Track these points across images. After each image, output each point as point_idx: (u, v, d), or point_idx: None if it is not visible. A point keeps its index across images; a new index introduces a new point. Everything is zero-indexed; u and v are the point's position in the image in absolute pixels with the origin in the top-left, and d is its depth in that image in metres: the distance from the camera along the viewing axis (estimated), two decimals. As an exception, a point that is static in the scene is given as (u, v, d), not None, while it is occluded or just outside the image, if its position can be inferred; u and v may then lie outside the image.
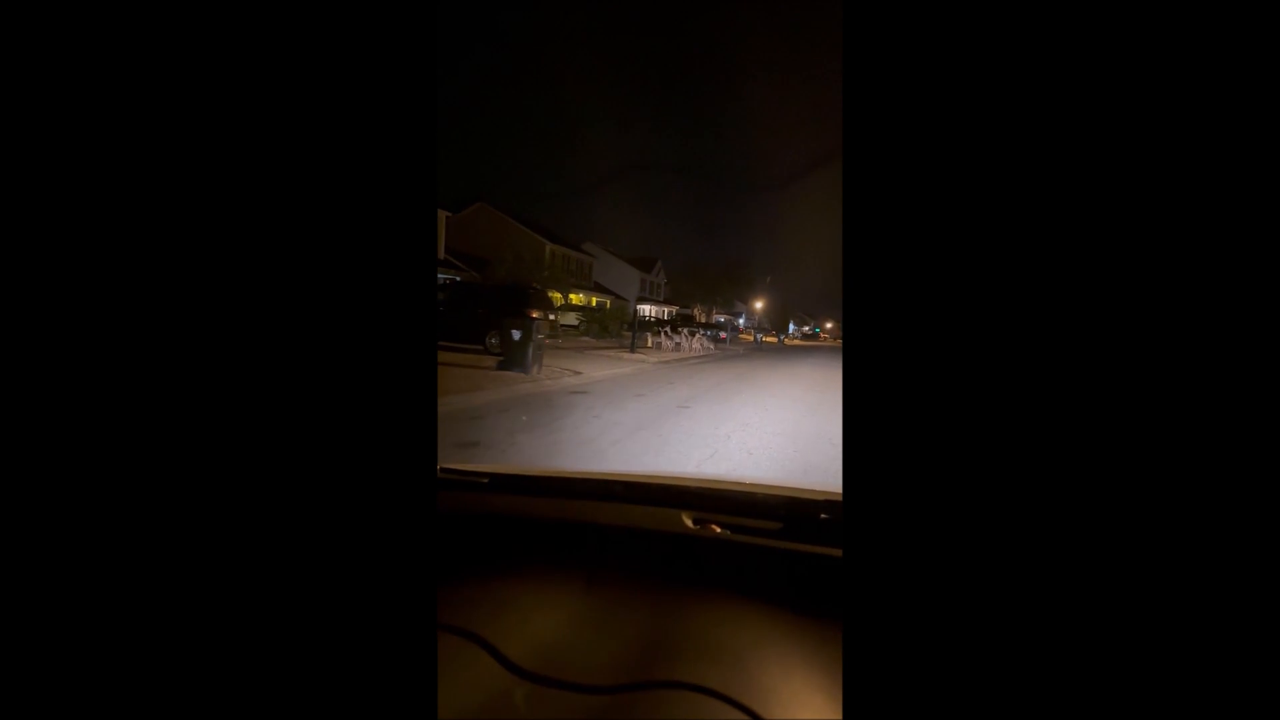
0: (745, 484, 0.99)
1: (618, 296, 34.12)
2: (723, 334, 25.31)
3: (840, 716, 0.52)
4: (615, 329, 17.66)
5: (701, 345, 16.30)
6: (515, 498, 1.00)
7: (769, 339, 35.63)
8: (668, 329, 17.32)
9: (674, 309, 38.75)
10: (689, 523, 0.88)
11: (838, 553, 0.76)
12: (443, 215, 20.20)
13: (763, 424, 5.30)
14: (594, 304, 27.77)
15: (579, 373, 8.55)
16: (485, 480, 1.03)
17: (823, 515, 0.83)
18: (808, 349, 27.39)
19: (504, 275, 17.51)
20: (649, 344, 15.61)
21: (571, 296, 27.10)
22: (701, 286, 41.57)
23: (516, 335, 7.74)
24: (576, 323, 19.01)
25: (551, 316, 10.21)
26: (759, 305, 50.24)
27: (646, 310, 36.54)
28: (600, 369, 9.49)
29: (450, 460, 1.09)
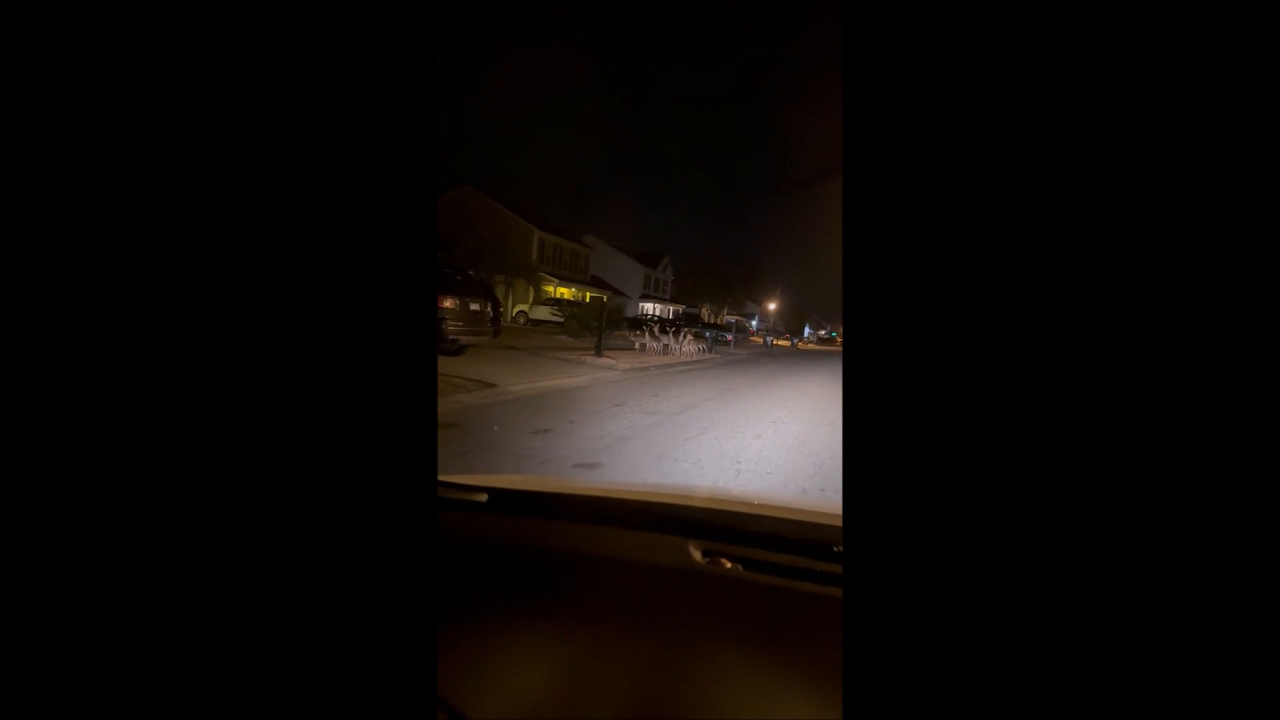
0: (756, 505, 0.90)
1: (617, 292, 31.66)
2: (728, 335, 22.70)
3: None
4: (599, 327, 15.08)
5: (695, 348, 13.65)
6: (512, 519, 0.91)
7: (780, 342, 32.91)
8: (655, 328, 14.75)
9: (680, 308, 36.39)
10: (697, 555, 0.78)
11: None
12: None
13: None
14: (587, 298, 25.29)
15: (492, 385, 6.03)
16: (484, 498, 0.94)
17: (836, 549, 0.74)
18: (822, 354, 24.65)
19: (460, 259, 15.06)
20: (636, 346, 13.03)
21: (561, 290, 24.67)
22: (711, 285, 39.15)
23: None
24: (560, 318, 16.44)
25: (475, 307, 7.61)
26: (772, 307, 47.62)
27: (651, 308, 34.14)
28: (537, 378, 6.97)
29: None
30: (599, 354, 10.12)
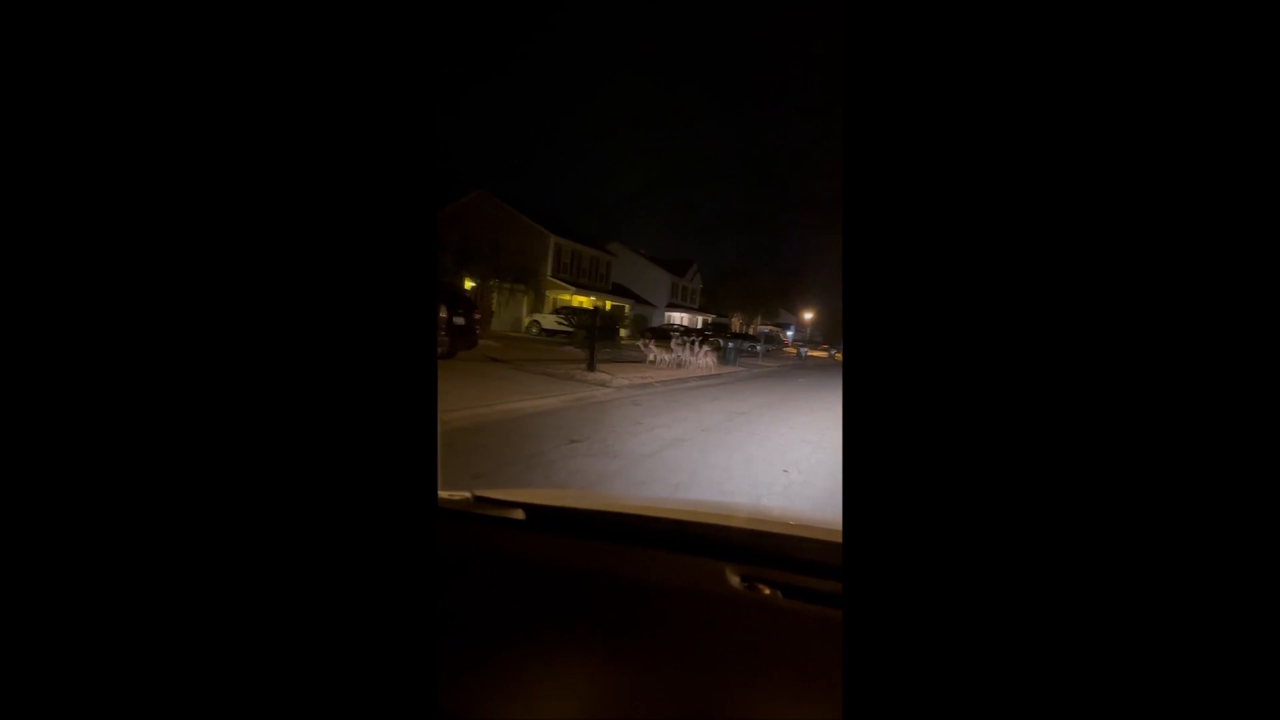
0: (798, 526, 0.87)
1: (641, 300, 30.23)
2: (757, 346, 20.98)
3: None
4: (611, 337, 13.58)
5: (713, 360, 11.97)
6: (548, 537, 0.88)
7: (816, 353, 30.82)
8: (673, 337, 13.18)
9: (709, 317, 34.75)
10: (734, 581, 0.74)
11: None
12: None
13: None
14: (607, 306, 23.91)
15: (417, 412, 4.58)
16: (520, 515, 0.93)
17: None
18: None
19: (447, 262, 13.81)
20: (651, 358, 11.48)
21: (579, 298, 23.37)
22: (742, 294, 37.31)
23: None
24: (568, 328, 15.02)
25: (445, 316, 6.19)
26: (809, 317, 45.41)
27: (678, 317, 32.63)
28: (494, 401, 5.52)
29: None
30: (591, 368, 8.61)
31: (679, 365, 11.61)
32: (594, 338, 8.80)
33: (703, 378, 10.45)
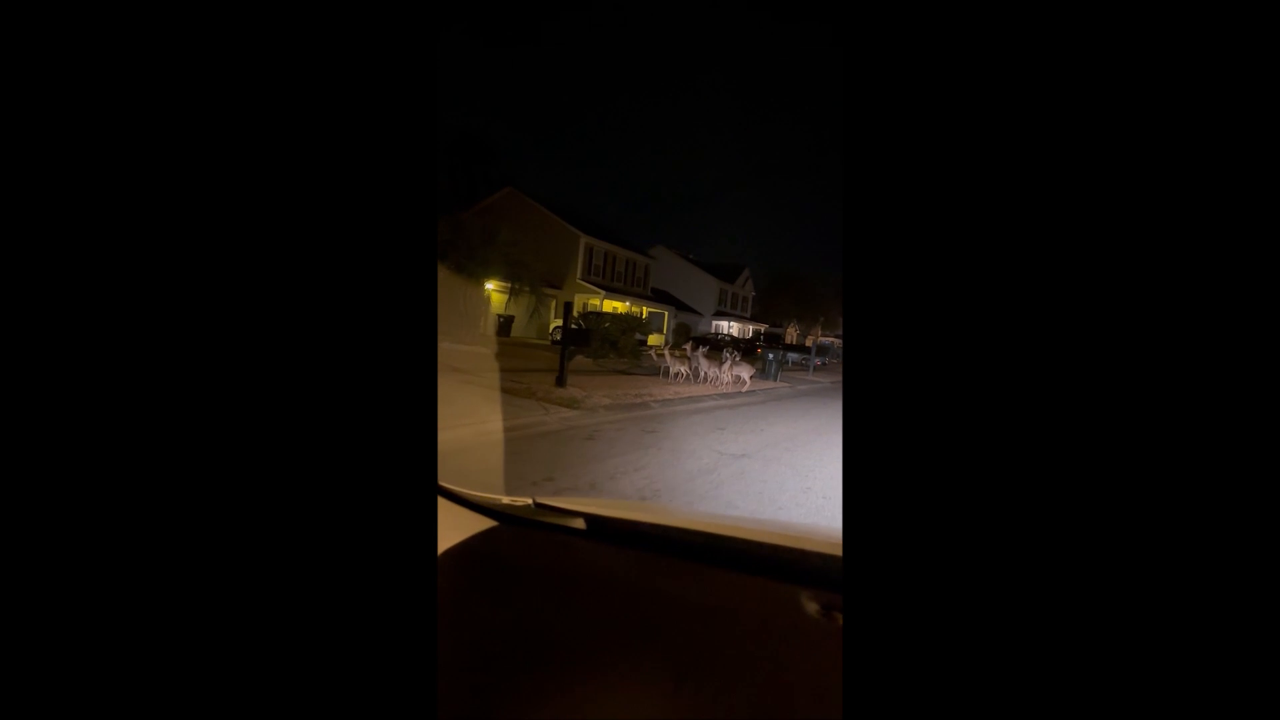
0: None
1: (684, 307, 28.13)
2: (811, 358, 18.50)
3: None
4: (629, 346, 11.64)
5: (738, 375, 9.75)
6: (609, 548, 0.86)
7: (880, 368, 27.60)
8: (688, 346, 11.09)
9: (762, 327, 32.21)
10: (812, 609, 0.70)
11: None
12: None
13: None
14: (644, 314, 21.98)
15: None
16: (581, 524, 0.91)
17: None
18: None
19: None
20: (671, 372, 9.46)
21: (613, 304, 21.57)
22: (800, 303, 34.52)
23: None
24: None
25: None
26: (874, 327, 41.77)
27: (726, 326, 30.33)
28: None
29: None
30: (561, 383, 6.67)
31: (700, 380, 9.51)
32: (565, 344, 6.88)
33: (724, 396, 8.33)
